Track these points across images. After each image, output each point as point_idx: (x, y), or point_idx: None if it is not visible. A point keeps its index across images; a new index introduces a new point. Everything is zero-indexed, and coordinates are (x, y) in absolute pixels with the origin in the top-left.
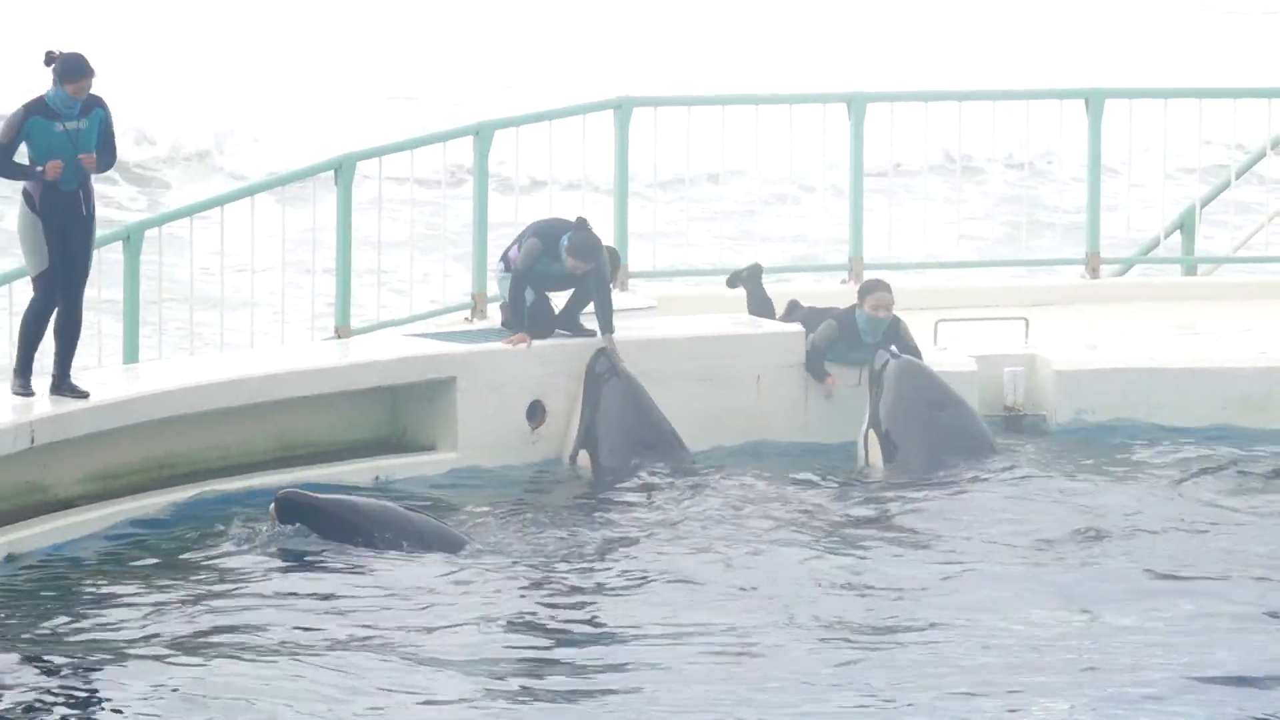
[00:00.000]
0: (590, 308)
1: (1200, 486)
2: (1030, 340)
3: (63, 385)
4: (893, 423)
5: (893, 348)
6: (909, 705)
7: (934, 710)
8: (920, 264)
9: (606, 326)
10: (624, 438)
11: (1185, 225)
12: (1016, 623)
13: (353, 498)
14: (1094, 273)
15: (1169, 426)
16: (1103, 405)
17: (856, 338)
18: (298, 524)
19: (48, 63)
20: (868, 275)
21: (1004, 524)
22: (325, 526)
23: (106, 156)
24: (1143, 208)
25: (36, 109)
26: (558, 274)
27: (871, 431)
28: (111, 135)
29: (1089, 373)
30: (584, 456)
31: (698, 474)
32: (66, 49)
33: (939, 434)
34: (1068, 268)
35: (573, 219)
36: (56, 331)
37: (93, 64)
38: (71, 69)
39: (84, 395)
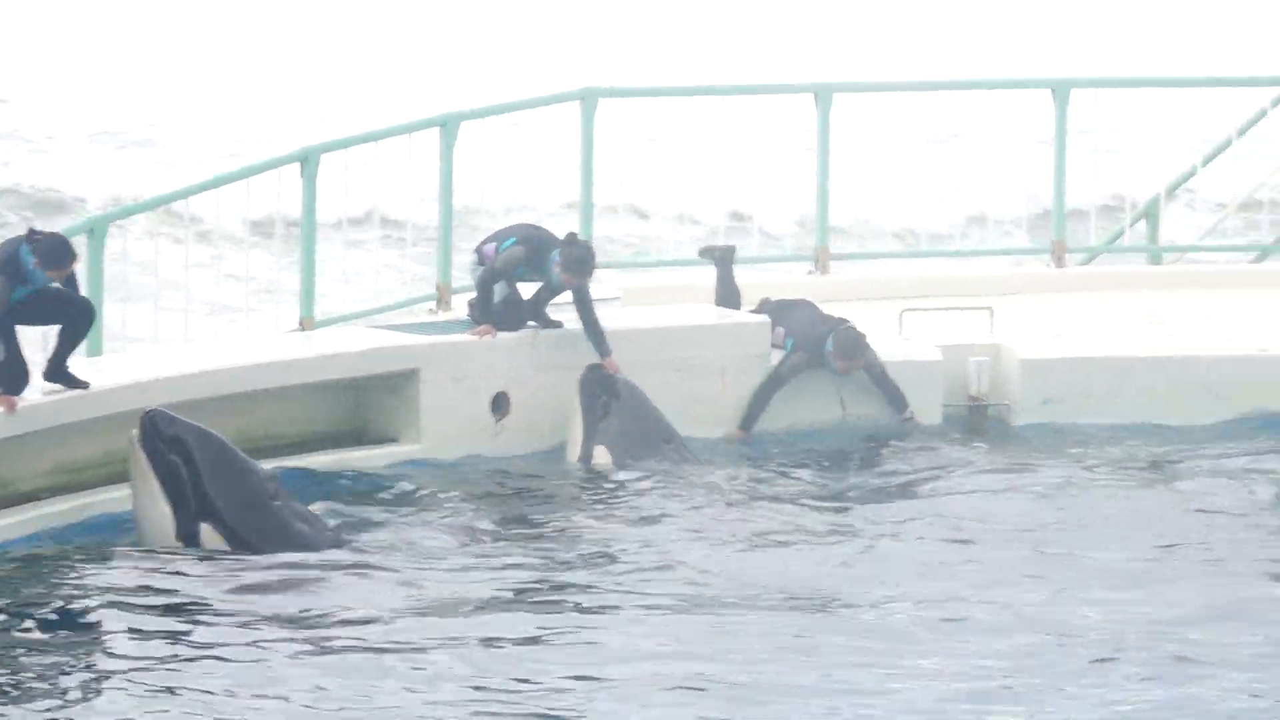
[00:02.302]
0: (560, 299)
1: (1163, 476)
2: (995, 330)
3: (60, 373)
4: None
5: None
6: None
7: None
8: (887, 253)
9: (603, 350)
10: (640, 434)
11: (1150, 214)
12: (985, 607)
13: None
14: (1059, 262)
15: (1133, 416)
16: (1067, 395)
17: (822, 363)
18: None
19: (29, 240)
20: (834, 268)
21: (971, 513)
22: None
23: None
24: (1108, 197)
25: (8, 269)
26: (531, 280)
27: None
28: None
29: (1054, 362)
30: (601, 452)
31: (701, 465)
32: (48, 230)
33: None
34: (1033, 257)
35: (538, 223)
36: (65, 325)
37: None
38: (57, 257)
39: (84, 385)
